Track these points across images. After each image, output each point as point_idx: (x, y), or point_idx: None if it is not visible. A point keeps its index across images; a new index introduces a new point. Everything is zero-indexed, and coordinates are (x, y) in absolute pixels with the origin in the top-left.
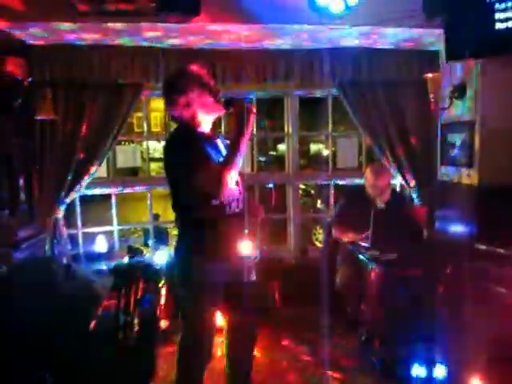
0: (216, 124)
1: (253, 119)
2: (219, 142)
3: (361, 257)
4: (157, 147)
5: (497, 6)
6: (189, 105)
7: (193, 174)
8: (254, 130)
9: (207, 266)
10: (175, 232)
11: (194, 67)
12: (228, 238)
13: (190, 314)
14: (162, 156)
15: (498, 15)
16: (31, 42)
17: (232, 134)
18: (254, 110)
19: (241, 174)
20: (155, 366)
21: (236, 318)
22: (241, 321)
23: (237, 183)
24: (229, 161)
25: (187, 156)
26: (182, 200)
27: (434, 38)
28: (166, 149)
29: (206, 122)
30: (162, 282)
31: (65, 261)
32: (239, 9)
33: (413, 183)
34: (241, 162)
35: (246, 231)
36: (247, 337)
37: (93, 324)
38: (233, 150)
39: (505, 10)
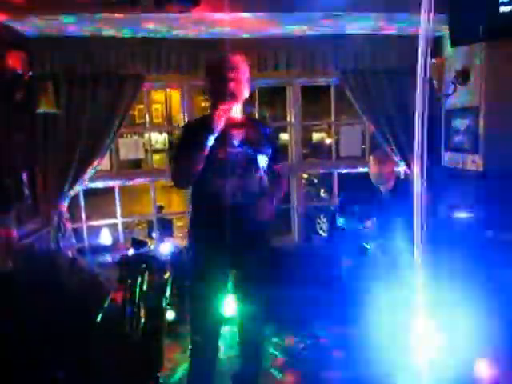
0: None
1: (220, 115)
2: (245, 128)
3: (366, 245)
4: (159, 139)
5: None
6: (206, 90)
7: (173, 158)
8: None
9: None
10: (180, 223)
11: (218, 58)
12: (214, 227)
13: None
14: (165, 147)
15: None
16: (31, 35)
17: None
18: (222, 107)
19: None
20: (162, 358)
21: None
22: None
23: (245, 176)
24: (193, 150)
25: (177, 139)
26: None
27: (437, 23)
28: None
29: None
30: (168, 273)
31: (70, 254)
32: None
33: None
34: (201, 158)
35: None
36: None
37: (99, 317)
38: (199, 141)
39: None
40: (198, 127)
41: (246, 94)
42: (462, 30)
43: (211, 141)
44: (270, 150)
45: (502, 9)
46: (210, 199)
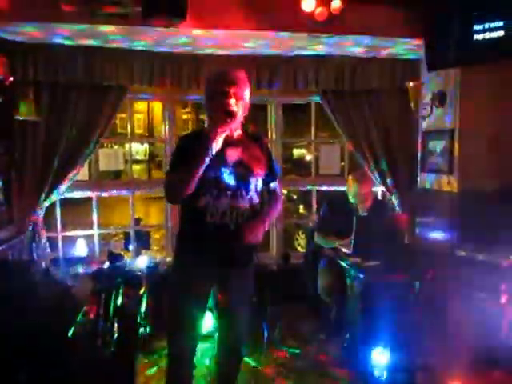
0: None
1: (222, 130)
2: (242, 147)
3: (343, 263)
4: (139, 149)
5: (475, 17)
6: (206, 106)
7: (167, 173)
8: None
9: (178, 266)
10: (157, 236)
11: (219, 72)
12: (200, 242)
13: (172, 315)
14: (145, 158)
15: (476, 26)
16: (15, 40)
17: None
18: (220, 130)
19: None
20: (134, 374)
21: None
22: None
23: (237, 195)
24: (183, 174)
25: (172, 157)
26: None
27: (414, 48)
28: None
29: (216, 125)
30: (143, 288)
31: (44, 264)
32: (225, 14)
33: (394, 190)
34: (198, 170)
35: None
36: (236, 351)
37: (72, 330)
38: (194, 162)
39: (482, 21)
40: (194, 143)
41: (245, 111)
42: (438, 56)
43: (207, 162)
44: (267, 168)
45: (476, 36)
46: (199, 216)
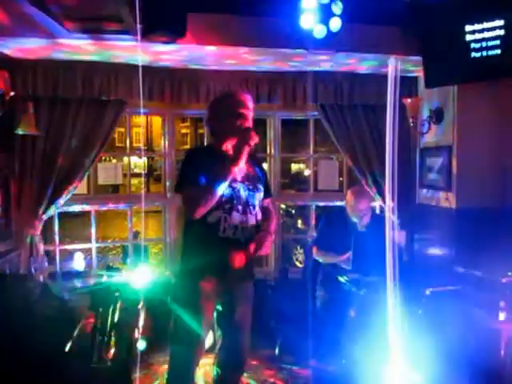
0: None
1: (246, 151)
2: (241, 165)
3: (341, 279)
4: (137, 163)
5: (472, 36)
6: (214, 126)
7: (181, 188)
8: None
9: (188, 283)
10: (155, 250)
11: (244, 95)
12: (214, 259)
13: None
14: (144, 172)
15: (473, 45)
16: (15, 55)
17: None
18: (252, 143)
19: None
20: None
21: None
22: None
23: (246, 211)
24: (210, 187)
25: (185, 169)
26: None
27: (412, 65)
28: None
29: (231, 145)
30: (141, 302)
31: (41, 278)
32: (224, 31)
33: (392, 206)
34: (223, 187)
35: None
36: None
37: (69, 344)
38: (219, 176)
39: (480, 40)
40: (208, 159)
41: None
42: (436, 73)
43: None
44: (263, 185)
45: (473, 54)
46: (211, 231)
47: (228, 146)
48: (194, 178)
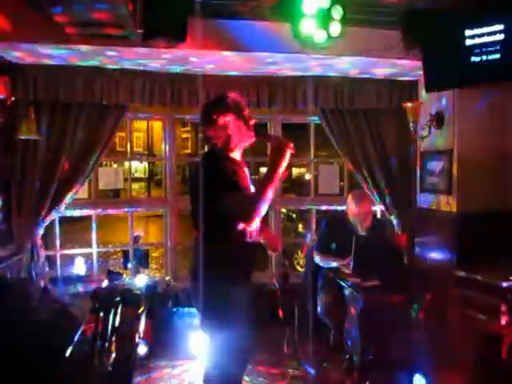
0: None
1: (287, 155)
2: (246, 169)
3: (342, 283)
4: (138, 167)
5: (472, 40)
6: (226, 127)
7: (230, 200)
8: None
9: (231, 291)
10: (155, 254)
11: (233, 94)
12: (246, 264)
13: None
14: (144, 176)
15: (473, 49)
16: (16, 61)
17: (268, 166)
18: (292, 147)
19: None
20: None
21: None
22: None
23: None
24: (263, 191)
25: (225, 180)
26: (210, 222)
27: (412, 69)
28: (206, 170)
29: (237, 147)
30: (142, 307)
31: (42, 283)
32: (224, 36)
33: (393, 210)
34: (271, 195)
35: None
36: None
37: (69, 349)
38: (268, 181)
39: (480, 44)
40: (234, 166)
41: None
42: (436, 78)
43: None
44: None
45: (473, 58)
46: (238, 239)
47: (239, 153)
48: (241, 183)
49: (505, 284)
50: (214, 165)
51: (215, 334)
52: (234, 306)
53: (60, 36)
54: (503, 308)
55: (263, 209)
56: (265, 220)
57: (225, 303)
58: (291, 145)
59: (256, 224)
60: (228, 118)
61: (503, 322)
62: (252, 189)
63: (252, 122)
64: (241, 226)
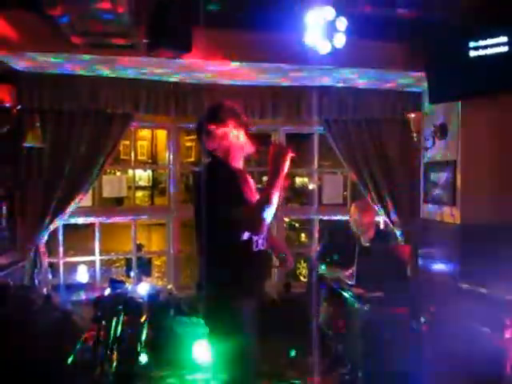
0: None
1: (288, 159)
2: (249, 178)
3: (345, 294)
4: (142, 175)
5: (476, 52)
6: (225, 137)
7: (234, 211)
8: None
9: (236, 303)
10: (158, 262)
11: (229, 102)
12: (255, 273)
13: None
14: (148, 185)
15: (477, 61)
16: (21, 69)
17: (269, 174)
18: (291, 151)
19: None
20: None
21: None
22: None
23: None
24: (267, 199)
25: (229, 192)
26: (214, 234)
27: (414, 80)
28: (208, 183)
29: (238, 157)
30: (144, 315)
31: (45, 290)
32: (228, 46)
33: (396, 221)
34: (276, 200)
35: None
36: None
37: (71, 357)
38: (270, 188)
39: (483, 56)
40: (233, 177)
41: None
42: (440, 89)
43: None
44: None
45: (477, 70)
46: (245, 248)
47: (240, 161)
48: (243, 194)
49: (509, 297)
50: (216, 177)
51: (220, 344)
52: (240, 318)
53: (66, 46)
54: (507, 321)
55: (270, 216)
56: (269, 230)
57: (230, 316)
58: (291, 149)
59: (263, 232)
60: (225, 129)
61: (507, 335)
62: (257, 196)
63: (252, 129)
64: (246, 235)
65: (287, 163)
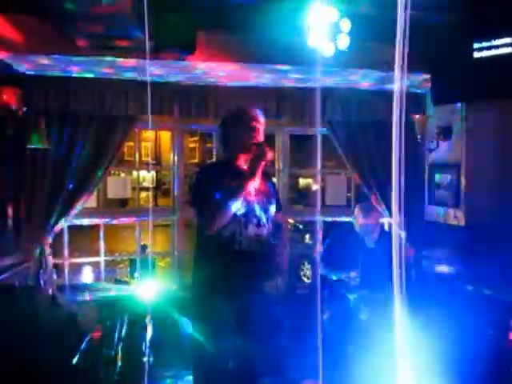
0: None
1: (263, 164)
2: (257, 180)
3: (349, 296)
4: (146, 176)
5: (480, 53)
6: (228, 141)
7: (195, 203)
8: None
9: (210, 302)
10: (162, 264)
11: (246, 109)
12: (231, 273)
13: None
14: (152, 185)
15: (481, 62)
16: (26, 72)
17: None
18: (269, 156)
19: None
20: None
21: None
22: None
23: (260, 224)
24: (233, 193)
25: (200, 184)
26: (198, 231)
27: (420, 82)
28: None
29: (242, 158)
30: (148, 316)
31: (50, 291)
32: (233, 48)
33: (400, 222)
34: (238, 203)
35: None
36: None
37: (76, 357)
38: (234, 192)
39: (488, 57)
40: (222, 175)
41: None
42: (444, 90)
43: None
44: (274, 199)
45: (481, 71)
46: (226, 246)
47: (242, 162)
48: (209, 193)
49: None
50: (196, 175)
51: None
52: (211, 318)
53: (70, 48)
54: None
55: (224, 218)
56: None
57: (203, 315)
58: (271, 153)
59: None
60: (235, 130)
61: None
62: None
63: (258, 137)
64: (228, 233)
65: (260, 167)
